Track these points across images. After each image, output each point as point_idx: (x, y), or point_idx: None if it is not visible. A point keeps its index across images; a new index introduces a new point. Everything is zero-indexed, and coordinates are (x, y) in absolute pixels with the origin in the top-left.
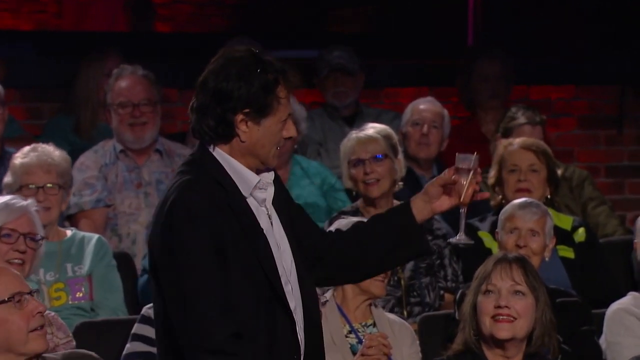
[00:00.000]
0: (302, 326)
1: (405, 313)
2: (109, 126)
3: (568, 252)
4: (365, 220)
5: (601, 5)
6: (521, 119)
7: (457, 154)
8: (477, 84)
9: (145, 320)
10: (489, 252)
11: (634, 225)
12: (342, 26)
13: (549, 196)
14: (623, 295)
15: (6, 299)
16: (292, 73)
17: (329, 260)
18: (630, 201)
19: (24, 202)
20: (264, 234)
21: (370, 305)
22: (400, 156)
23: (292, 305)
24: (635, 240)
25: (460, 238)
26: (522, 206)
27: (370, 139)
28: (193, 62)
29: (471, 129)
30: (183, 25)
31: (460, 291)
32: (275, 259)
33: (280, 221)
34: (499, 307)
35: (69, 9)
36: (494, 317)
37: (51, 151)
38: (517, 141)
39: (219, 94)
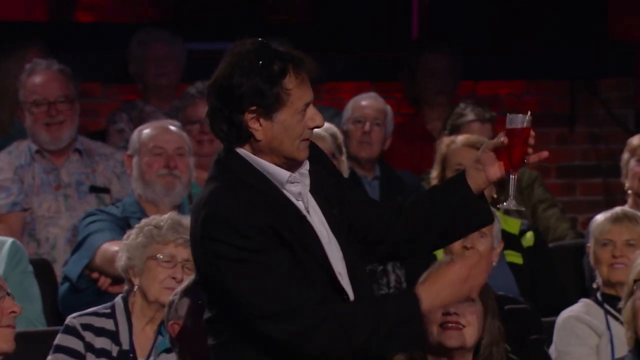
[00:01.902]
0: None
1: None
2: None
3: (516, 258)
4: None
5: None
6: (470, 115)
7: (507, 114)
8: (423, 78)
9: (69, 330)
10: (433, 258)
11: (586, 229)
12: (277, 16)
13: (494, 196)
14: (574, 302)
15: None
16: (307, 60)
17: (388, 237)
18: (582, 203)
19: None
20: (309, 220)
21: None
22: (344, 156)
23: (348, 292)
24: (588, 244)
25: (510, 204)
26: None
27: (317, 137)
28: (117, 55)
29: (416, 126)
30: (107, 15)
31: None
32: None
33: (323, 212)
34: (447, 314)
35: None
36: (441, 325)
37: None
38: (460, 139)
39: (223, 94)
